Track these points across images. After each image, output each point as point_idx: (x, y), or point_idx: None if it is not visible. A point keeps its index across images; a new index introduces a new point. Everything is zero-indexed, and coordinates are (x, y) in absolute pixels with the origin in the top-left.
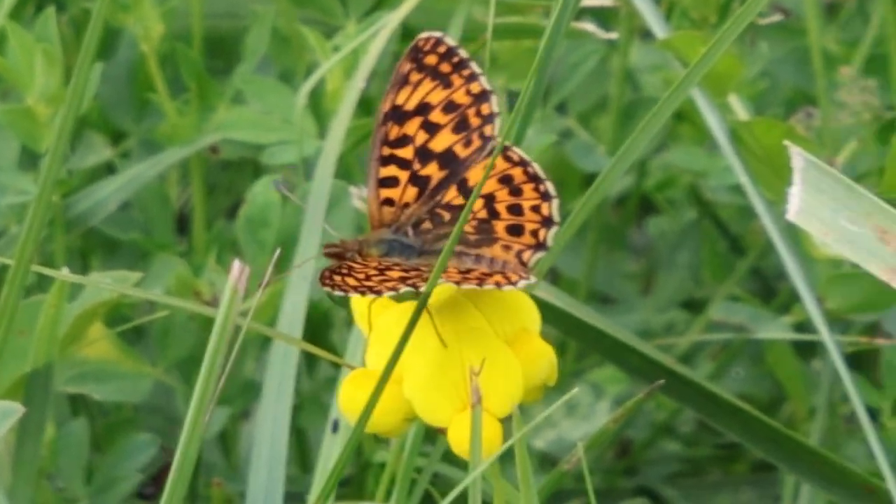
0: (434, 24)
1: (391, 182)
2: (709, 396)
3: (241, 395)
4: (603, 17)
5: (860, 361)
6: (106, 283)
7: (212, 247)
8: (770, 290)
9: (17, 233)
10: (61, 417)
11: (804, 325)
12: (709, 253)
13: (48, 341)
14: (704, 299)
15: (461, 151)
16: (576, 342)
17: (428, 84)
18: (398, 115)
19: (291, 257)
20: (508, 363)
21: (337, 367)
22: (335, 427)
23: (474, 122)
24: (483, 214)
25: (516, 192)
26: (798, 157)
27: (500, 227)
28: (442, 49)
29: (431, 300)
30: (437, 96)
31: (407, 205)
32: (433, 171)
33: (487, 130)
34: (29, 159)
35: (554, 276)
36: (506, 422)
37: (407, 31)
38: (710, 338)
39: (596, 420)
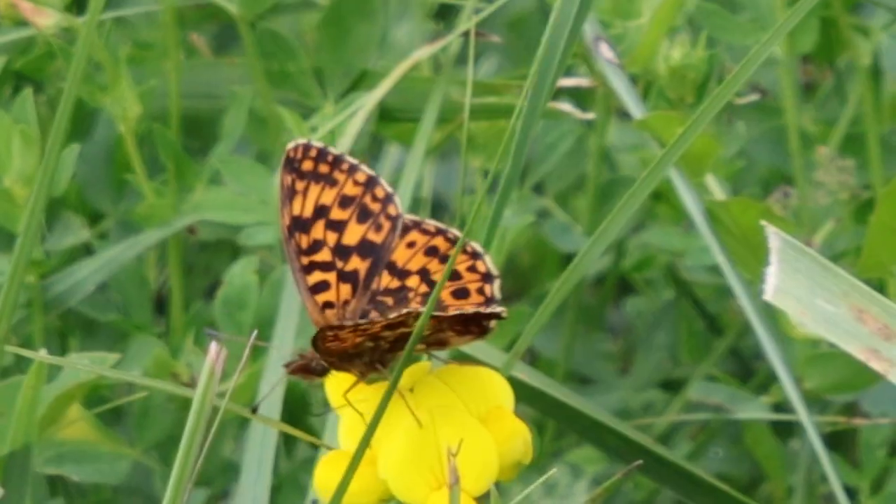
0: (411, 105)
1: (323, 287)
2: (687, 476)
3: (220, 475)
4: (580, 97)
5: (838, 441)
6: (84, 365)
7: (189, 328)
8: (748, 370)
9: None
10: (39, 499)
11: (782, 405)
12: (686, 333)
13: (26, 423)
14: (682, 379)
15: (375, 237)
16: (554, 422)
17: (315, 188)
18: (300, 225)
19: (269, 339)
20: (483, 441)
21: (315, 447)
22: None
23: (374, 207)
24: (424, 289)
25: (446, 259)
26: (774, 236)
27: (445, 294)
28: (313, 153)
29: (404, 381)
30: (329, 196)
31: (346, 302)
32: (357, 263)
33: (391, 210)
34: (8, 241)
35: (532, 357)
36: (482, 501)
37: (384, 112)
38: (688, 418)
39: (574, 500)
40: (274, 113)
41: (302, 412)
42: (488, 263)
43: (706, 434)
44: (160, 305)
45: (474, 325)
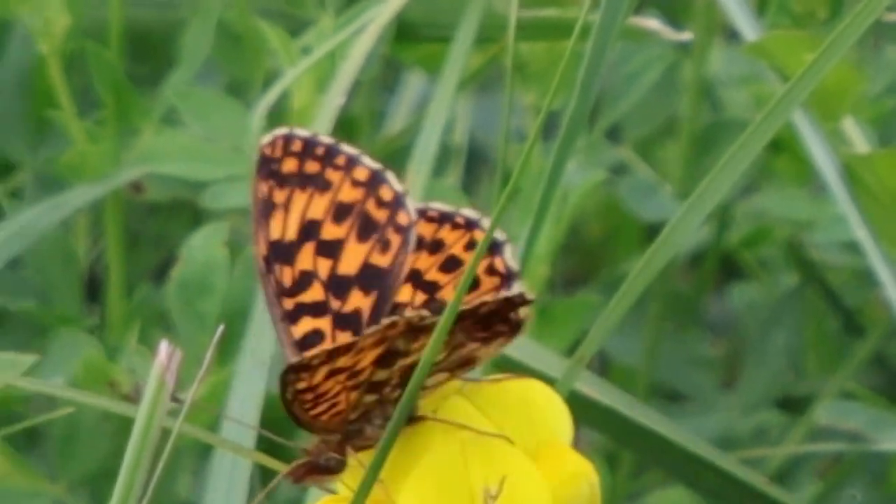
0: (439, 19)
1: (314, 339)
2: None
3: None
4: (672, 9)
5: None
6: None
7: (133, 321)
8: None
9: None
10: None
11: None
12: (814, 333)
13: None
14: (808, 396)
15: (381, 260)
16: (632, 454)
17: (300, 196)
18: (282, 253)
19: (242, 336)
20: (531, 484)
21: (302, 486)
22: None
23: (379, 216)
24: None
25: (455, 262)
26: None
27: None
28: (296, 146)
29: (428, 404)
30: (320, 206)
31: None
32: (359, 300)
33: (401, 219)
34: None
35: (603, 364)
36: None
37: (403, 28)
38: (815, 449)
39: None
40: (251, 28)
41: (286, 437)
42: (507, 257)
43: (840, 471)
44: (93, 289)
45: (500, 323)
